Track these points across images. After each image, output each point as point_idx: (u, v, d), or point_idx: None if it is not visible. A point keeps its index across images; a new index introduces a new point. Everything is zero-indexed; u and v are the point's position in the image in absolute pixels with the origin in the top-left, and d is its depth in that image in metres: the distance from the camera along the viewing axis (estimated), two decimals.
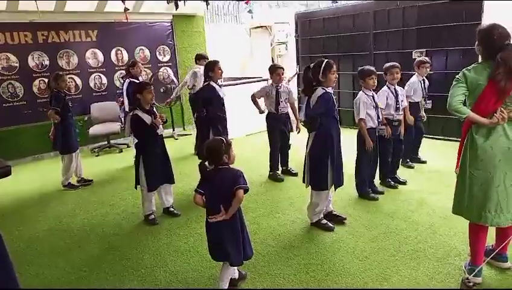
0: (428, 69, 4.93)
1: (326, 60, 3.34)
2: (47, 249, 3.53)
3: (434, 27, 6.17)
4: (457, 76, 2.49)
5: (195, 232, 3.62)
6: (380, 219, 3.67)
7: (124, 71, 6.88)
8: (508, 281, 2.62)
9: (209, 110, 4.50)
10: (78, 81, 7.08)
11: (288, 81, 5.82)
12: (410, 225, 3.51)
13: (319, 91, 3.32)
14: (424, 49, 6.33)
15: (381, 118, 4.09)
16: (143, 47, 7.75)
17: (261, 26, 9.09)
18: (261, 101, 5.00)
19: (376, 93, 4.15)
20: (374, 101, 4.01)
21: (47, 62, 6.67)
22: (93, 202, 4.59)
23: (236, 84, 7.42)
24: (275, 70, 4.78)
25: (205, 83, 4.55)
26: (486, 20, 5.21)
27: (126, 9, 5.80)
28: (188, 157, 6.24)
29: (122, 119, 6.63)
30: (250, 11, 8.10)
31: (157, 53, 7.97)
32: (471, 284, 2.51)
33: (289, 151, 5.13)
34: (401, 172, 4.69)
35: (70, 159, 5.02)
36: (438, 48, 6.22)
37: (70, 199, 4.74)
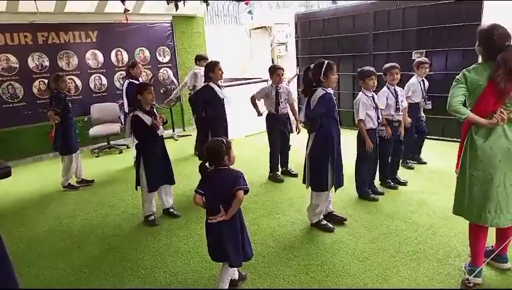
0: (427, 70, 4.93)
1: (327, 61, 3.34)
2: (47, 250, 3.53)
3: (434, 28, 6.17)
4: (457, 76, 2.49)
5: (195, 233, 3.62)
6: (380, 219, 3.67)
7: (124, 72, 6.88)
8: (508, 282, 2.62)
9: (208, 111, 4.50)
10: (78, 82, 7.08)
11: (288, 82, 5.83)
12: (410, 226, 3.51)
13: (320, 92, 3.32)
14: (424, 50, 6.33)
15: (381, 118, 4.09)
16: (143, 48, 7.75)
17: (261, 27, 9.09)
18: (261, 104, 5.00)
19: (376, 94, 4.16)
20: (374, 101, 4.01)
21: (47, 63, 6.68)
22: (93, 203, 4.59)
23: (236, 85, 7.42)
24: (275, 70, 4.78)
25: (204, 84, 4.55)
26: (486, 20, 5.21)
27: (126, 10, 5.80)
28: (188, 158, 6.24)
29: (122, 120, 6.64)
30: (250, 12, 8.09)
31: (157, 54, 7.97)
32: (471, 284, 2.51)
33: (289, 152, 5.13)
34: (401, 173, 4.69)
35: (70, 160, 5.02)
36: (437, 49, 6.22)
37: (70, 200, 4.74)
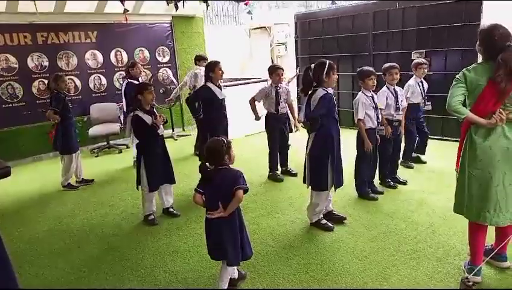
0: (426, 70, 4.94)
1: (328, 61, 3.35)
2: (47, 249, 3.53)
3: (433, 28, 6.18)
4: (457, 76, 2.50)
5: (194, 233, 3.62)
6: (379, 218, 3.68)
7: (124, 72, 6.88)
8: (507, 281, 2.62)
9: (207, 112, 4.49)
10: (78, 82, 7.08)
11: (288, 82, 5.83)
12: (409, 225, 3.51)
13: (320, 92, 3.33)
14: (424, 50, 6.34)
15: (380, 118, 4.09)
16: (142, 48, 7.76)
17: (261, 27, 9.10)
18: (259, 108, 4.98)
19: (375, 93, 4.16)
20: (374, 101, 4.02)
21: (46, 63, 6.68)
22: (92, 203, 4.59)
23: (236, 85, 7.42)
24: (275, 70, 4.78)
25: (202, 84, 4.55)
26: (486, 20, 5.22)
27: (126, 10, 5.80)
28: (187, 158, 6.24)
29: (122, 120, 6.64)
30: (249, 12, 8.10)
31: (157, 54, 7.98)
32: (470, 283, 2.51)
33: (288, 151, 5.13)
34: (401, 172, 4.70)
35: (70, 160, 5.02)
36: (437, 49, 6.22)
37: (69, 200, 4.74)
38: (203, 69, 5.00)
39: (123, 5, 5.55)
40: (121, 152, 6.93)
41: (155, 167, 3.81)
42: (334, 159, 3.40)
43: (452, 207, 2.72)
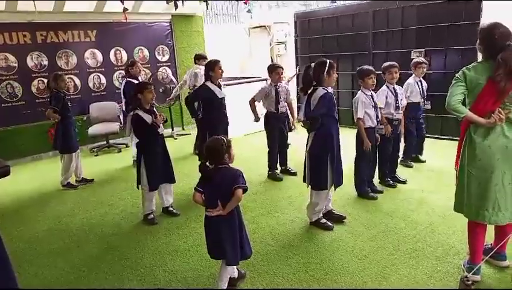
0: (425, 70, 4.94)
1: (329, 60, 3.35)
2: (46, 249, 3.53)
3: (433, 27, 6.17)
4: (457, 75, 2.50)
5: (194, 232, 3.62)
6: (379, 218, 3.68)
7: (123, 71, 6.88)
8: (506, 280, 2.62)
9: (207, 111, 4.48)
10: (77, 81, 7.07)
11: (288, 81, 5.83)
12: (409, 224, 3.51)
13: (320, 91, 3.33)
14: (423, 49, 6.33)
15: (380, 117, 4.09)
16: (142, 47, 7.75)
17: (260, 26, 9.09)
18: (259, 106, 4.98)
19: (375, 92, 4.16)
20: (373, 100, 4.02)
21: (46, 62, 6.67)
22: (92, 202, 4.59)
23: (235, 84, 7.42)
24: (274, 69, 4.77)
25: (201, 84, 4.53)
26: (485, 19, 5.21)
27: (125, 9, 5.78)
28: (187, 157, 6.24)
29: (121, 119, 6.64)
30: (249, 11, 8.10)
31: (156, 53, 7.97)
32: (469, 282, 2.51)
33: (287, 150, 5.13)
34: (401, 171, 4.70)
35: (70, 159, 5.02)
36: (437, 48, 6.22)
37: (69, 199, 4.74)
38: (203, 68, 4.98)
39: (122, 3, 5.53)
40: (121, 151, 6.92)
41: (155, 166, 3.81)
42: (334, 158, 3.40)
43: (451, 206, 2.73)
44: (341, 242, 3.27)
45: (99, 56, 7.26)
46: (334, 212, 3.69)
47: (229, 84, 7.14)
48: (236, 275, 2.76)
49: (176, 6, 5.63)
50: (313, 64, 3.40)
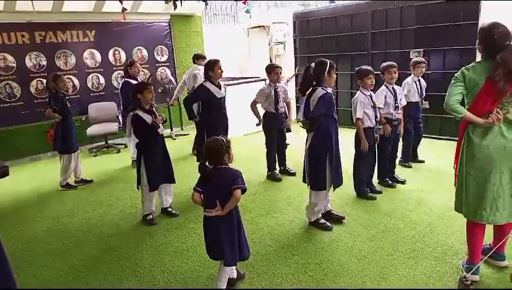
0: (423, 69, 4.94)
1: (329, 60, 3.35)
2: (45, 249, 3.52)
3: (432, 27, 6.18)
4: (455, 75, 2.50)
5: (193, 232, 3.62)
6: (378, 218, 3.68)
7: (122, 72, 6.87)
8: (505, 280, 2.62)
9: (206, 111, 4.47)
10: (76, 81, 7.06)
11: (287, 81, 5.82)
12: (408, 224, 3.51)
13: (320, 92, 3.33)
14: (422, 49, 6.34)
15: (378, 117, 4.10)
16: (141, 47, 7.74)
17: (259, 26, 9.08)
18: (258, 107, 4.97)
19: (374, 92, 4.16)
20: (372, 100, 4.02)
21: (44, 62, 6.66)
22: (91, 202, 4.58)
23: (234, 84, 7.41)
24: (273, 69, 4.77)
25: (199, 84, 4.51)
26: (484, 19, 5.22)
27: (124, 9, 5.78)
28: (186, 158, 6.24)
29: (120, 119, 6.63)
30: (248, 11, 8.09)
31: (155, 53, 7.96)
32: (468, 282, 2.51)
33: (286, 150, 5.12)
34: (399, 171, 4.70)
35: (69, 160, 5.01)
36: (435, 48, 6.23)
37: (68, 199, 4.73)
38: (202, 68, 4.97)
39: (121, 4, 5.53)
40: (119, 152, 6.91)
41: (155, 166, 3.81)
42: (333, 158, 3.40)
43: (450, 206, 2.74)
44: (340, 242, 3.27)
45: (98, 56, 7.25)
46: (333, 212, 3.69)
47: (228, 85, 7.14)
48: (235, 275, 2.76)
49: (175, 7, 5.63)
50: (313, 65, 3.40)
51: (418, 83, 4.89)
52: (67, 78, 6.75)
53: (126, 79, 5.77)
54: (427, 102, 5.02)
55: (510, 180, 2.44)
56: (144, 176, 3.79)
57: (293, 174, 4.99)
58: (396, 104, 4.32)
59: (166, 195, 4.04)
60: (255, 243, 3.29)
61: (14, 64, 6.38)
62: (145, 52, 7.80)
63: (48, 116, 4.86)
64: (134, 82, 5.43)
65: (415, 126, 4.96)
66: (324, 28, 7.81)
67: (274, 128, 4.88)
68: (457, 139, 2.66)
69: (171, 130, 7.86)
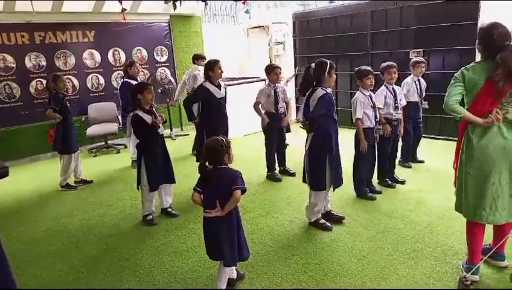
0: (423, 69, 4.94)
1: (329, 61, 3.36)
2: (45, 250, 3.52)
3: (431, 27, 6.18)
4: (455, 75, 2.50)
5: (193, 233, 3.62)
6: (378, 218, 3.68)
7: (122, 72, 6.87)
8: (505, 280, 2.62)
9: (206, 112, 4.47)
10: (76, 81, 7.06)
11: (287, 81, 5.82)
12: (408, 224, 3.52)
13: (320, 92, 3.33)
14: (422, 49, 6.35)
15: (378, 117, 4.10)
16: (140, 47, 7.74)
17: (259, 26, 9.09)
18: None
19: (374, 93, 4.16)
20: (372, 100, 4.02)
21: (44, 63, 6.66)
22: (91, 203, 4.58)
23: (234, 85, 7.42)
24: (273, 69, 4.76)
25: (199, 85, 4.51)
26: (483, 20, 5.23)
27: (123, 9, 5.78)
28: (186, 158, 6.23)
29: (120, 119, 6.63)
30: (247, 11, 8.10)
31: (155, 53, 7.96)
32: (468, 282, 2.52)
33: (286, 151, 5.12)
34: (399, 171, 4.70)
35: (69, 160, 5.01)
36: (435, 48, 6.23)
37: (68, 200, 4.73)
38: (202, 69, 4.96)
39: (121, 4, 5.52)
40: (119, 152, 6.91)
41: (155, 166, 3.81)
42: (333, 158, 3.40)
43: (450, 206, 2.75)
44: (340, 243, 3.27)
45: (98, 56, 7.24)
46: (333, 212, 3.69)
47: (228, 85, 7.13)
48: (235, 276, 2.76)
49: (175, 7, 5.63)
50: (313, 65, 3.41)
51: (417, 83, 4.90)
52: (66, 78, 6.75)
53: (125, 79, 5.77)
54: (427, 102, 5.02)
55: (510, 180, 2.44)
56: (144, 176, 3.79)
57: (293, 174, 4.99)
58: (396, 105, 4.33)
59: (166, 195, 4.04)
60: (254, 244, 3.29)
61: (14, 65, 6.38)
62: (144, 52, 7.80)
63: (49, 117, 4.86)
64: (133, 82, 5.42)
65: (415, 126, 4.96)
66: (324, 28, 7.81)
67: (274, 128, 4.87)
68: (456, 139, 2.66)
69: (171, 131, 7.86)
